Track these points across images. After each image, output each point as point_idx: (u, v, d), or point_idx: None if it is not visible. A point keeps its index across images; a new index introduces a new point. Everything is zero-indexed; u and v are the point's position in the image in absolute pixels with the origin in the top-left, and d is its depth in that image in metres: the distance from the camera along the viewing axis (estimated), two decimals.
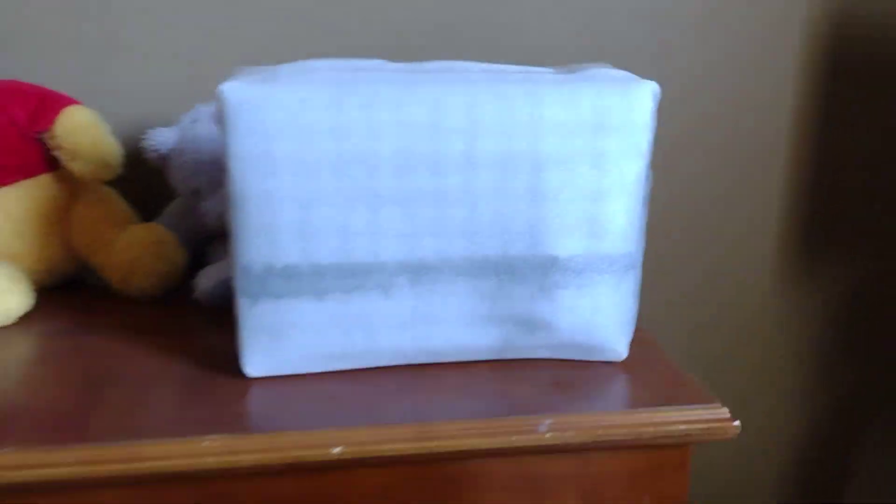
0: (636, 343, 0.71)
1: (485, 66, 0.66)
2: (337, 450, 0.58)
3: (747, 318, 1.16)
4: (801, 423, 1.23)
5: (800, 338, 1.19)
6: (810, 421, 1.23)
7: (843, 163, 1.12)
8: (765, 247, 1.13)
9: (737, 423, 0.62)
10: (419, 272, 0.63)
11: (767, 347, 1.18)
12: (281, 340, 0.63)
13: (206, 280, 0.79)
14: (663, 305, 1.13)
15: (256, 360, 0.64)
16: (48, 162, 0.82)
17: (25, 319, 0.77)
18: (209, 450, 0.57)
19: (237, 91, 0.58)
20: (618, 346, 0.68)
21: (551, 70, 0.67)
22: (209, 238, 0.86)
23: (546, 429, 0.60)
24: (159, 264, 0.80)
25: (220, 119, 0.59)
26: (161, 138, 0.83)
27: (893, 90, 1.10)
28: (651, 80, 0.63)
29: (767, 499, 1.24)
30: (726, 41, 1.04)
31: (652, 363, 0.69)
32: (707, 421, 0.62)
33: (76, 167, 0.81)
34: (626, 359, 0.69)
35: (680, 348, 1.15)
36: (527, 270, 0.64)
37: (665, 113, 1.04)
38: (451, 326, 0.65)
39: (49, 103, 0.81)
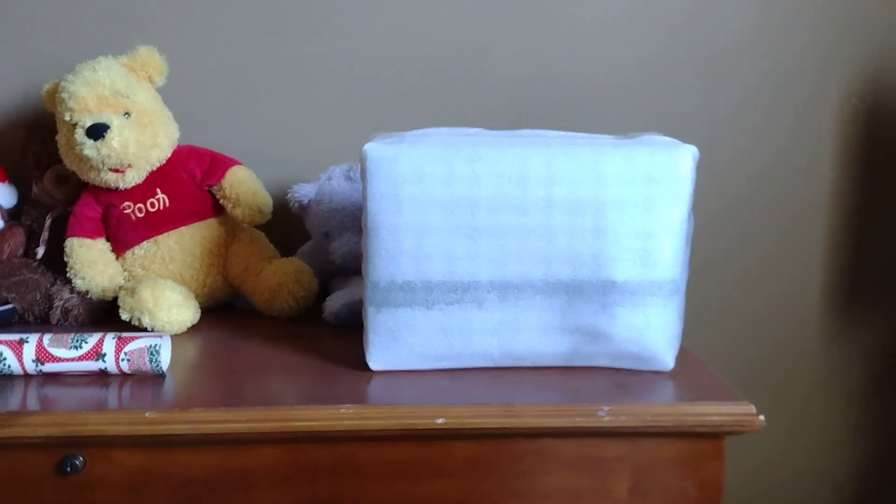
0: (682, 358, 0.86)
1: (561, 132, 0.85)
2: (440, 420, 0.74)
3: (793, 369, 1.28)
4: (846, 469, 1.32)
5: (843, 388, 1.29)
6: (856, 466, 1.32)
7: (881, 222, 1.25)
8: (808, 301, 1.26)
9: (762, 417, 0.76)
10: (506, 290, 0.80)
11: (812, 396, 1.29)
12: (397, 341, 0.81)
13: (332, 304, 0.98)
14: (711, 358, 1.26)
15: (378, 357, 0.82)
16: (215, 209, 1.04)
17: (192, 330, 0.97)
18: (345, 415, 0.74)
19: (375, 149, 0.78)
20: (666, 357, 0.83)
21: (612, 136, 0.85)
22: (334, 272, 1.06)
23: (605, 413, 0.75)
24: (298, 289, 1.00)
25: (362, 170, 0.79)
26: (302, 192, 1.05)
27: None
28: (694, 145, 0.80)
29: None
30: (769, 109, 1.20)
31: (694, 373, 0.84)
32: (737, 415, 0.76)
33: (237, 213, 1.03)
34: (673, 369, 0.84)
35: None
36: (591, 291, 0.80)
37: (720, 173, 1.21)
38: (530, 334, 0.82)
39: (218, 163, 1.04)
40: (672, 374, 0.83)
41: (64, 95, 0.96)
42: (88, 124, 0.94)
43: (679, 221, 0.80)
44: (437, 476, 0.78)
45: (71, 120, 0.96)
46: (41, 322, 0.99)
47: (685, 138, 0.85)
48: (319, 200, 1.03)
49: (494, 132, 0.85)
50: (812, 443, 1.31)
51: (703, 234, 1.20)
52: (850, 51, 1.20)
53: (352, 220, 1.02)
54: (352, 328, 0.94)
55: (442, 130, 0.85)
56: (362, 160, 0.79)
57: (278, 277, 1.00)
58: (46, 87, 1.01)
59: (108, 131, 0.94)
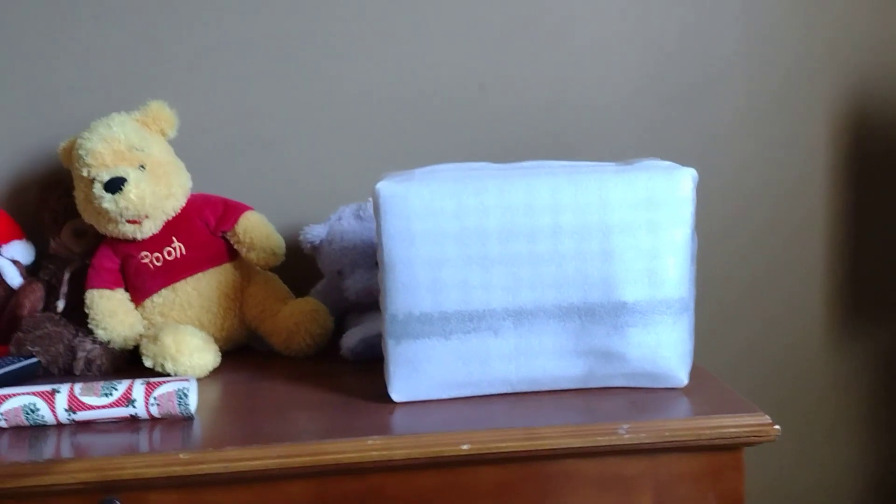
0: (695, 375, 0.88)
1: (564, 162, 0.88)
2: (466, 446, 0.77)
3: (801, 380, 1.30)
4: (861, 477, 1.33)
5: (852, 397, 1.31)
6: (871, 473, 1.34)
7: (879, 231, 1.28)
8: (813, 311, 1.29)
9: (777, 426, 0.78)
10: (520, 316, 0.83)
11: (822, 406, 1.31)
12: (418, 372, 0.84)
13: (349, 340, 1.01)
14: (721, 372, 1.28)
15: (400, 388, 0.85)
16: (229, 254, 1.07)
17: (214, 373, 1.00)
18: (373, 446, 0.77)
19: (387, 188, 0.82)
20: (679, 373, 0.85)
21: (614, 163, 0.89)
22: (348, 309, 1.09)
23: (624, 431, 0.78)
24: (314, 328, 1.03)
25: (375, 207, 0.82)
26: (313, 232, 1.08)
27: None
28: (690, 165, 0.84)
29: None
30: (762, 127, 1.25)
31: (708, 388, 0.86)
32: (752, 425, 0.78)
33: (251, 257, 1.06)
34: (687, 385, 0.86)
35: None
36: (603, 313, 0.83)
37: (719, 191, 1.24)
38: (546, 358, 0.84)
39: (231, 210, 1.07)
40: (686, 390, 0.86)
41: (81, 152, 0.99)
42: (106, 179, 0.98)
43: (683, 241, 0.83)
44: (466, 501, 0.79)
45: (89, 175, 0.99)
46: (65, 373, 1.01)
47: (681, 160, 0.89)
48: (331, 240, 1.06)
49: (500, 165, 0.89)
50: (825, 452, 1.33)
51: (708, 252, 1.23)
52: (836, 67, 1.24)
53: (363, 257, 1.05)
54: (369, 362, 0.97)
55: (449, 166, 0.88)
56: (375, 199, 0.82)
57: (295, 317, 1.03)
58: (63, 144, 1.05)
59: (126, 184, 0.97)
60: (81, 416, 0.82)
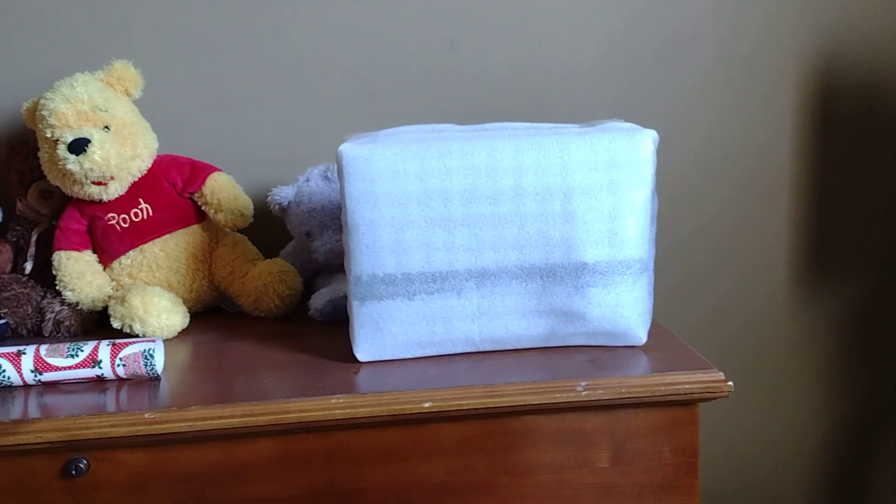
0: (654, 333, 0.90)
1: (527, 124, 0.89)
2: (427, 404, 0.78)
3: (764, 340, 1.33)
4: (822, 427, 1.38)
5: (815, 348, 1.35)
6: (831, 424, 1.38)
7: (842, 193, 1.30)
8: (778, 267, 1.31)
9: (730, 383, 0.80)
10: (483, 277, 0.84)
11: (783, 365, 1.34)
12: (382, 332, 0.85)
13: (317, 301, 1.02)
14: (686, 332, 1.31)
15: (364, 348, 0.86)
16: (197, 215, 1.07)
17: (182, 334, 1.00)
18: (336, 405, 0.78)
19: (350, 150, 0.82)
20: (638, 332, 0.87)
21: (576, 125, 0.89)
22: (317, 270, 1.10)
23: (582, 388, 0.80)
24: (283, 289, 1.04)
25: (339, 170, 0.82)
26: (281, 194, 1.08)
27: (879, 123, 1.29)
28: (657, 128, 0.85)
29: (795, 498, 1.38)
30: (729, 90, 1.26)
31: (666, 346, 0.88)
32: (706, 382, 0.81)
33: (219, 218, 1.06)
34: (646, 343, 0.88)
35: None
36: (564, 273, 0.84)
37: (685, 154, 1.25)
38: (508, 318, 0.86)
39: (199, 170, 1.06)
40: (645, 348, 0.88)
41: (44, 112, 0.98)
42: (70, 140, 0.97)
43: (643, 202, 0.85)
44: (428, 457, 0.81)
45: (52, 136, 0.99)
46: (34, 335, 1.02)
47: (648, 123, 0.89)
48: (299, 201, 1.06)
49: (464, 127, 0.89)
50: (785, 410, 1.36)
51: (673, 214, 1.25)
52: (805, 29, 1.25)
53: (331, 218, 1.05)
54: (337, 323, 0.98)
55: (413, 128, 0.89)
56: (339, 161, 0.82)
57: (263, 279, 1.04)
58: (26, 105, 1.04)
59: (90, 145, 0.97)
60: (48, 376, 0.83)
